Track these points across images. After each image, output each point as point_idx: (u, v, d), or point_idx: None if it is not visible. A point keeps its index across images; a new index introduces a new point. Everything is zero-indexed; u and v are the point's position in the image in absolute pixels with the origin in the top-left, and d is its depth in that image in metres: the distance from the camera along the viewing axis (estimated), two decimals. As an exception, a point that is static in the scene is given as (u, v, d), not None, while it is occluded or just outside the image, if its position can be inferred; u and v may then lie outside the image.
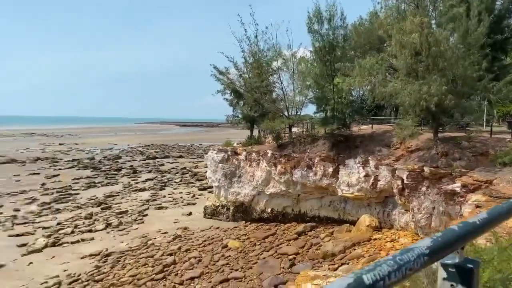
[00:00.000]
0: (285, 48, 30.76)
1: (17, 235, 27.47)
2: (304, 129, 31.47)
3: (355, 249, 20.83)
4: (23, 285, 19.99)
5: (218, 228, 27.71)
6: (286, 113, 30.51)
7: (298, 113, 31.33)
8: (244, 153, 29.51)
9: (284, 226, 26.38)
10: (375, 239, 21.70)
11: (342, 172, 24.86)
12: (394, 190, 22.16)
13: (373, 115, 32.72)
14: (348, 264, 19.27)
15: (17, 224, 30.03)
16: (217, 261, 21.71)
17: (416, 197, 20.59)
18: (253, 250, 22.89)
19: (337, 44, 26.20)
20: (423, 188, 20.21)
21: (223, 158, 30.07)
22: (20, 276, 21.07)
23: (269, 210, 28.13)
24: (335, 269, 18.78)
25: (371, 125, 28.50)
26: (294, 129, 31.11)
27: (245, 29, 33.24)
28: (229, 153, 30.02)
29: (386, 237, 21.76)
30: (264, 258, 21.70)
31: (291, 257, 21.46)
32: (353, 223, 24.34)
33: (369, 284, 1.14)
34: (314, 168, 25.86)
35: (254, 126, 34.28)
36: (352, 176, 24.33)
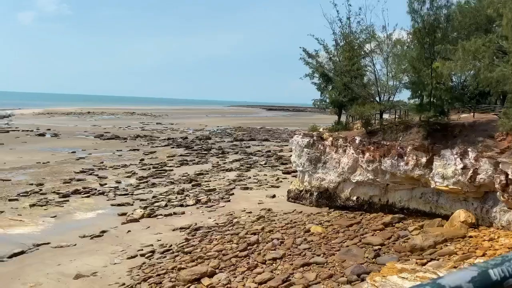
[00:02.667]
0: (379, 29, 29.15)
1: (118, 204, 30.34)
2: (396, 116, 29.90)
3: (446, 245, 19.49)
4: (122, 250, 22.03)
5: (301, 212, 27.76)
6: (377, 98, 29.17)
7: (390, 98, 29.78)
8: (330, 138, 28.96)
9: (370, 216, 25.57)
10: (470, 237, 20.09)
11: (436, 163, 23.26)
12: (496, 186, 20.23)
13: (476, 102, 29.92)
14: (438, 260, 18.12)
15: (118, 194, 33.12)
16: (299, 245, 21.79)
17: (522, 194, 18.60)
18: (336, 237, 22.56)
19: (438, 25, 24.27)
20: (532, 185, 18.18)
21: (308, 143, 29.81)
22: (120, 242, 23.24)
23: (354, 198, 27.43)
24: (423, 264, 17.80)
25: (472, 114, 26.15)
26: (385, 116, 29.69)
27: (337, 11, 32.18)
28: (315, 138, 29.64)
29: (484, 235, 20.02)
30: (347, 246, 21.27)
31: (376, 247, 20.74)
32: (446, 217, 22.76)
33: (496, 281, 1.00)
34: (405, 158, 24.53)
35: (342, 111, 33.39)
36: (448, 168, 22.66)
